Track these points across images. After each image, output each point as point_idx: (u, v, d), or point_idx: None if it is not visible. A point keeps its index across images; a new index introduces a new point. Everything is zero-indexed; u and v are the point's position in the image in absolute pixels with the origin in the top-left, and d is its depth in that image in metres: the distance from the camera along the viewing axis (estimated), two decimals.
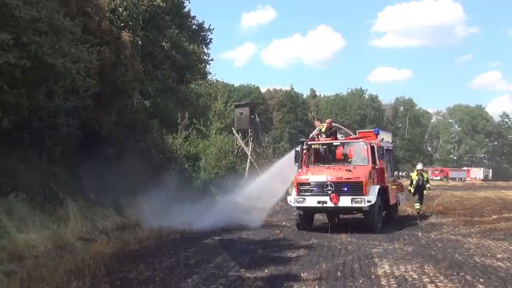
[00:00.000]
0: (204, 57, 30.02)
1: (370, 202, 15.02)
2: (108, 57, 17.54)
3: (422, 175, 21.48)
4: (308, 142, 17.50)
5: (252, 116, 42.55)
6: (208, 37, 31.42)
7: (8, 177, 13.11)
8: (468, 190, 45.23)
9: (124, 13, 21.49)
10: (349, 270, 9.82)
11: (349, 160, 16.71)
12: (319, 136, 18.27)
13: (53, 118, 15.15)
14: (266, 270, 9.81)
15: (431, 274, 9.44)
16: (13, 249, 10.37)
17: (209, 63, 31.61)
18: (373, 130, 18.60)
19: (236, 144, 42.07)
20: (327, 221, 18.53)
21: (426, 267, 10.09)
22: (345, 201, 15.07)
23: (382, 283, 8.76)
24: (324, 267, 10.13)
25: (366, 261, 10.72)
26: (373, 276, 9.27)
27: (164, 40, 25.24)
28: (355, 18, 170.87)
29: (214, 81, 44.67)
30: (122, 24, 21.31)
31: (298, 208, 15.91)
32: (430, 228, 16.47)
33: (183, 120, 27.12)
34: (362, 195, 15.01)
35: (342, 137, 18.71)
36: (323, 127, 18.18)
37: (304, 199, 15.62)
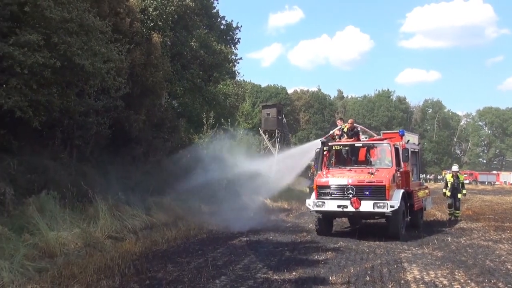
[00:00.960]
0: (232, 56, 30.19)
1: (393, 207, 14.06)
2: (139, 58, 17.74)
3: (458, 177, 20.54)
4: (329, 143, 16.59)
5: (279, 117, 42.48)
6: (236, 36, 31.64)
7: (40, 174, 13.34)
8: (498, 195, 44.41)
9: (154, 12, 21.68)
10: (378, 275, 9.71)
11: (372, 162, 15.97)
12: (341, 137, 17.36)
13: (83, 117, 15.36)
14: (294, 273, 9.77)
15: (462, 280, 9.29)
16: (45, 246, 10.52)
17: (238, 62, 31.78)
18: (398, 131, 17.79)
19: (263, 145, 42.07)
20: (349, 225, 18.19)
21: (456, 273, 9.93)
22: (366, 205, 14.20)
23: None
24: (352, 271, 10.05)
25: (395, 266, 10.60)
26: (402, 281, 9.16)
27: (193, 40, 25.44)
28: (383, 19, 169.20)
29: (242, 81, 44.83)
30: (152, 24, 21.52)
31: (317, 212, 15.08)
32: (460, 233, 16.18)
33: (209, 119, 27.28)
34: (385, 199, 14.12)
35: (365, 138, 18.18)
36: (346, 126, 17.30)
37: (324, 202, 14.75)
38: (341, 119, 19.67)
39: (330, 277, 9.32)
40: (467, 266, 10.65)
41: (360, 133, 17.75)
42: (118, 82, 15.05)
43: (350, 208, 14.32)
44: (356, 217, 16.66)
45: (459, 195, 20.28)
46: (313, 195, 15.24)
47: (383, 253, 12.11)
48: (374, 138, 18.32)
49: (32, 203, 11.90)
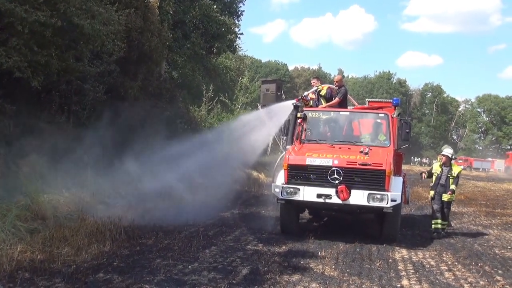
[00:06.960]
0: (235, 29, 30.02)
1: (395, 201, 10.34)
2: (135, 21, 17.51)
3: (451, 167, 12.51)
4: (305, 109, 12.64)
5: (278, 93, 42.10)
6: (240, 8, 31.42)
7: (35, 137, 13.29)
8: (492, 181, 44.64)
9: None
10: (366, 252, 9.82)
11: (360, 138, 12.21)
12: (318, 102, 13.46)
13: (79, 83, 15.26)
14: (283, 247, 9.88)
15: (449, 262, 9.43)
16: (37, 208, 10.49)
17: (239, 37, 31.61)
18: (391, 100, 13.59)
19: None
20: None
21: (444, 255, 10.08)
22: (358, 197, 10.34)
23: (399, 267, 8.77)
24: (341, 247, 10.17)
25: (384, 245, 10.70)
26: (390, 260, 9.29)
27: (196, 9, 25.22)
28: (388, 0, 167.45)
29: (244, 56, 44.54)
30: None
31: (287, 201, 10.92)
32: (451, 217, 16.14)
33: (208, 92, 27.21)
34: (384, 190, 10.34)
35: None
36: (323, 89, 13.51)
37: (298, 189, 10.63)
38: (317, 78, 14.45)
39: (319, 253, 9.43)
40: (456, 248, 10.79)
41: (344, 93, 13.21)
42: (117, 46, 14.91)
43: (335, 200, 10.43)
44: (342, 212, 12.46)
45: (445, 197, 12.35)
46: (281, 176, 11.17)
47: (373, 232, 12.19)
48: (365, 106, 14.82)
49: (26, 165, 11.90)
